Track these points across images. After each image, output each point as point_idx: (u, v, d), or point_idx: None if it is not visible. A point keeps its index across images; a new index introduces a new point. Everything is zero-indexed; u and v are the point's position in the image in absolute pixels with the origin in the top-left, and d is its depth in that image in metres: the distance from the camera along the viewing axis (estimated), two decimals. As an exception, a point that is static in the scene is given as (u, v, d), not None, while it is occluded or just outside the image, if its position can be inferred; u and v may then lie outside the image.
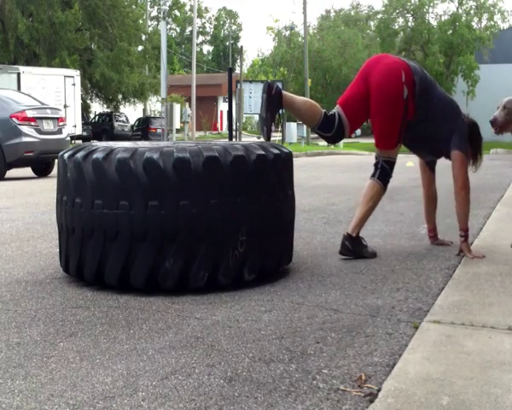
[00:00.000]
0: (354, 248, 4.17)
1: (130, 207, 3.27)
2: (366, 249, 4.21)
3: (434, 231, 4.70)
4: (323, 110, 4.27)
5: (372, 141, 4.56)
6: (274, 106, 4.07)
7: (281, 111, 4.30)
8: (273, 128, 4.12)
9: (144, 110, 42.59)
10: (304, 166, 11.89)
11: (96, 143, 3.66)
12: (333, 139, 4.35)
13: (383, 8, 40.17)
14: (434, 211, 4.73)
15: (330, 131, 4.23)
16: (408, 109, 4.13)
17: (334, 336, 2.65)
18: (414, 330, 2.68)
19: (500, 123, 4.20)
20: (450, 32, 37.68)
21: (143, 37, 34.39)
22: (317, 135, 4.53)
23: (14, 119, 11.40)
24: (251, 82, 21.37)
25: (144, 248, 3.27)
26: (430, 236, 4.71)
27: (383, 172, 4.27)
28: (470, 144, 4.30)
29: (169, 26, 66.27)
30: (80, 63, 30.01)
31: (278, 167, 3.59)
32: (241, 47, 24.17)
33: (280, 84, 18.29)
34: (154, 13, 59.71)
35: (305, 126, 26.92)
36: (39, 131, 11.70)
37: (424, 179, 4.74)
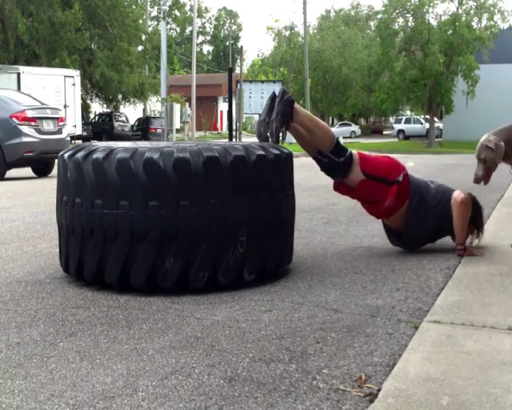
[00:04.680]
0: None
1: (130, 207, 3.27)
2: None
3: None
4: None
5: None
6: (284, 110, 3.96)
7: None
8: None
9: (144, 110, 42.58)
10: (304, 166, 11.86)
11: (95, 143, 3.66)
12: (343, 166, 4.07)
13: (383, 8, 40.10)
14: None
15: (343, 156, 4.08)
16: (393, 189, 4.11)
17: (334, 336, 2.65)
18: (414, 330, 2.68)
19: (483, 176, 4.30)
20: (451, 32, 37.62)
21: (143, 37, 34.38)
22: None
23: (14, 119, 11.40)
24: (251, 82, 21.33)
25: (144, 248, 3.27)
26: None
27: None
28: (472, 221, 4.21)
29: (169, 26, 66.26)
30: (80, 63, 30.02)
31: (278, 168, 3.59)
32: (241, 47, 24.14)
33: (280, 85, 18.27)
34: (154, 13, 59.71)
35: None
36: (39, 131, 11.69)
37: None
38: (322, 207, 6.81)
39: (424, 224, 4.22)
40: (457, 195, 4.15)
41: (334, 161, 4.07)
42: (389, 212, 4.21)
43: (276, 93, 4.07)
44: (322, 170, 4.23)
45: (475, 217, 4.24)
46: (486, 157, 4.25)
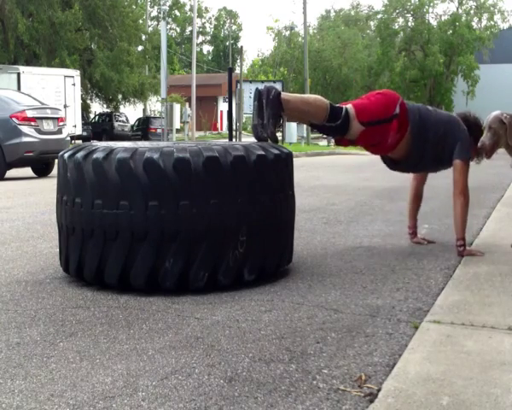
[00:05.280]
0: None
1: (130, 207, 3.27)
2: None
3: (414, 228, 4.77)
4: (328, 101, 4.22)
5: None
6: (274, 109, 3.95)
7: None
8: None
9: (144, 110, 42.58)
10: (304, 166, 11.88)
11: (96, 143, 3.66)
12: (341, 127, 4.08)
13: (383, 8, 40.14)
14: (418, 209, 4.79)
15: (339, 118, 4.06)
16: (394, 124, 4.13)
17: (334, 336, 2.65)
18: (414, 330, 2.68)
19: (488, 146, 4.19)
20: (451, 32, 37.65)
21: (143, 37, 34.39)
22: (319, 134, 4.42)
23: (14, 119, 11.40)
24: (251, 82, 21.35)
25: (144, 248, 3.27)
26: (409, 233, 4.76)
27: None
28: (474, 140, 4.25)
29: (169, 26, 66.27)
30: (80, 63, 30.02)
31: (278, 168, 3.59)
32: (241, 47, 24.15)
33: (280, 85, 18.26)
34: (154, 13, 59.76)
35: (305, 126, 26.87)
36: (39, 131, 11.69)
37: (416, 177, 4.75)
38: (322, 207, 6.81)
39: (427, 145, 4.25)
40: (457, 176, 4.18)
41: (331, 127, 4.10)
42: (392, 147, 4.24)
43: (260, 89, 4.00)
44: (320, 132, 4.30)
45: (475, 134, 4.29)
46: (497, 129, 4.17)
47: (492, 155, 4.31)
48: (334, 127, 4.07)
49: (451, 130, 4.28)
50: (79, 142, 23.18)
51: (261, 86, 4.19)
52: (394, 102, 4.18)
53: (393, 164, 4.50)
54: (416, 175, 4.76)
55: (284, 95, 4.03)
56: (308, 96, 4.27)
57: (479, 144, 4.21)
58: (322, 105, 4.10)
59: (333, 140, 4.35)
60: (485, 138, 4.20)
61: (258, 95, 3.97)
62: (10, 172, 11.62)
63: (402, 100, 4.24)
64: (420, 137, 4.22)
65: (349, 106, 4.14)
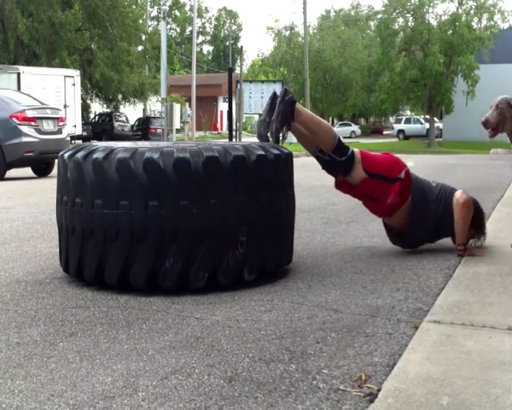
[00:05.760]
0: None
1: (130, 207, 3.27)
2: None
3: None
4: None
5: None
6: (285, 111, 3.94)
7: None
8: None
9: (144, 110, 42.58)
10: (304, 166, 11.87)
11: (95, 143, 3.66)
12: (345, 165, 4.06)
13: (383, 8, 40.08)
14: None
15: (344, 155, 4.06)
16: (396, 186, 4.12)
17: (334, 336, 2.65)
18: (414, 330, 2.68)
19: (493, 124, 4.14)
20: (451, 32, 37.61)
21: (143, 37, 34.39)
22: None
23: (14, 119, 11.40)
24: (251, 82, 21.31)
25: (144, 248, 3.27)
26: None
27: None
28: (472, 223, 4.18)
29: (169, 26, 66.26)
30: (80, 63, 30.01)
31: (278, 168, 3.59)
32: (241, 47, 24.11)
33: (280, 85, 18.26)
34: (154, 13, 59.64)
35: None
36: (39, 131, 11.70)
37: None
38: (322, 207, 6.81)
39: (426, 220, 4.22)
40: (459, 196, 4.14)
41: (335, 159, 4.06)
42: (391, 210, 4.20)
43: (278, 92, 4.06)
44: (323, 168, 4.22)
45: (476, 220, 4.22)
46: (503, 110, 4.13)
47: (495, 136, 4.24)
48: (338, 161, 4.05)
49: (445, 196, 4.25)
50: (79, 142, 23.18)
51: (279, 89, 4.18)
52: (400, 167, 4.20)
53: (395, 237, 4.46)
54: None
55: (298, 106, 4.05)
56: (320, 118, 4.25)
57: (482, 119, 4.17)
58: (331, 133, 4.14)
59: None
60: (490, 116, 4.16)
61: (274, 95, 4.01)
62: (10, 172, 11.63)
63: (408, 170, 4.24)
64: (420, 211, 4.20)
65: (356, 150, 4.16)
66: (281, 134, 3.96)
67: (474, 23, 38.53)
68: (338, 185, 4.25)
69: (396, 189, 4.12)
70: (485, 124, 4.16)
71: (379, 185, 4.13)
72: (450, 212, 4.16)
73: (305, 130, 4.10)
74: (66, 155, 3.54)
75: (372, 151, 4.37)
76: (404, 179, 4.16)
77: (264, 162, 3.46)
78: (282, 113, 3.93)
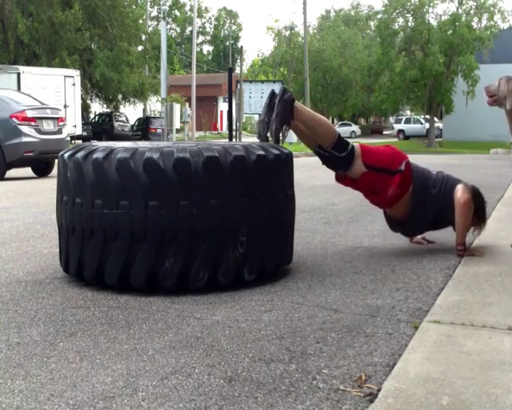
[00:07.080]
0: None
1: (130, 207, 3.27)
2: None
3: None
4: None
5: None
6: (284, 110, 3.94)
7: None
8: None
9: (144, 110, 42.59)
10: (304, 166, 11.88)
11: (95, 143, 3.66)
12: (345, 160, 4.08)
13: (383, 8, 40.11)
14: None
15: (344, 151, 4.07)
16: (396, 178, 4.12)
17: (334, 336, 2.65)
18: (414, 330, 2.68)
19: (491, 92, 4.24)
20: (451, 32, 37.63)
21: (143, 37, 34.40)
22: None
23: (14, 119, 11.40)
24: (251, 82, 21.32)
25: (144, 248, 3.27)
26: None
27: None
28: (475, 213, 4.17)
29: (169, 26, 66.28)
30: (80, 63, 30.02)
31: (278, 168, 3.59)
32: (241, 47, 24.13)
33: (280, 85, 18.26)
34: (154, 13, 59.71)
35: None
36: (39, 131, 11.70)
37: None
38: (322, 207, 6.81)
39: (426, 209, 4.23)
40: (461, 194, 4.11)
41: (335, 156, 4.07)
42: (392, 201, 4.21)
43: (276, 91, 4.05)
44: (323, 163, 4.23)
45: (478, 210, 4.21)
46: (501, 85, 4.22)
47: (493, 105, 4.32)
48: (338, 157, 4.06)
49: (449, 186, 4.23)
50: (79, 142, 23.18)
51: (277, 88, 4.18)
52: (400, 159, 4.19)
53: (395, 225, 4.46)
54: None
55: (297, 104, 4.05)
56: (320, 116, 4.25)
57: (485, 88, 4.28)
58: (330, 130, 4.14)
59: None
60: (491, 86, 4.26)
61: (272, 93, 4.01)
62: (10, 172, 11.63)
63: (409, 161, 4.23)
64: (420, 201, 4.20)
65: (356, 144, 4.17)
66: (281, 134, 3.96)
67: (474, 23, 38.54)
68: (338, 179, 4.27)
69: (396, 181, 4.12)
70: (487, 91, 4.26)
71: (379, 178, 4.13)
72: (451, 201, 4.16)
73: (305, 127, 4.10)
74: (66, 155, 3.54)
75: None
76: (405, 171, 4.16)
77: (264, 162, 3.46)
78: (281, 112, 3.93)
